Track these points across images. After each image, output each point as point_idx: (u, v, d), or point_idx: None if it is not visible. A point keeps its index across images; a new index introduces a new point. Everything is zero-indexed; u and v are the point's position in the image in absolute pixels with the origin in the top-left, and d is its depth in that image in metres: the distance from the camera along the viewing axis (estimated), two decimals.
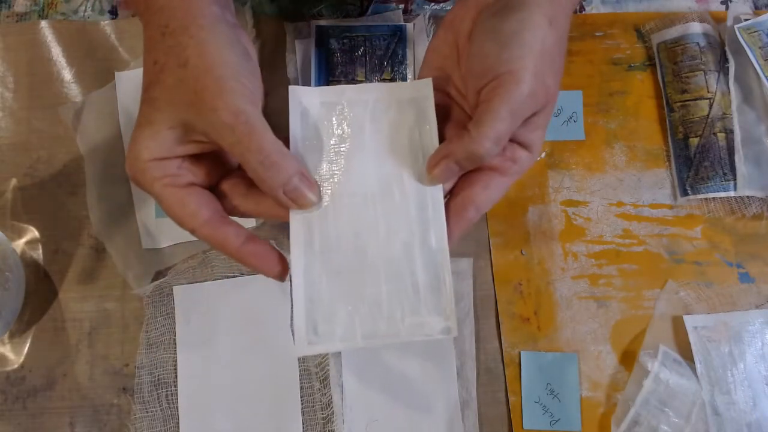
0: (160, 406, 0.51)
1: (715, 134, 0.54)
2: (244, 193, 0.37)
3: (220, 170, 0.38)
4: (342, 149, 0.37)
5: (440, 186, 0.37)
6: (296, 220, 0.36)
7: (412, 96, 0.38)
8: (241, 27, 0.38)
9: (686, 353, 0.50)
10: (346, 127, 0.38)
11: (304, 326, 0.35)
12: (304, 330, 0.35)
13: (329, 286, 0.36)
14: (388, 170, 0.37)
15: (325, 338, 0.35)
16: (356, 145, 0.37)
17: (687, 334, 0.51)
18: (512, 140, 0.36)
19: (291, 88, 0.38)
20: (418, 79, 0.39)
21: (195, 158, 0.36)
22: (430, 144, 0.37)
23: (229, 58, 0.34)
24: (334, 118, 0.38)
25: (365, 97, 0.38)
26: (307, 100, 0.38)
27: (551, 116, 0.38)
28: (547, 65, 0.35)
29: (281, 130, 0.36)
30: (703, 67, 0.55)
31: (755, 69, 0.55)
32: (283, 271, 0.37)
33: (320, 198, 0.36)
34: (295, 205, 0.35)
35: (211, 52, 0.33)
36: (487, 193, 0.36)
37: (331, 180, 0.37)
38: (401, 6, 0.59)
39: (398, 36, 0.57)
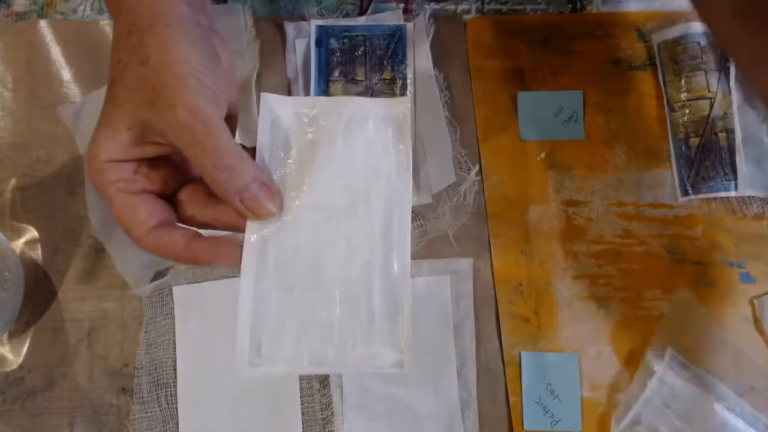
0: (159, 407, 0.51)
1: (716, 134, 0.54)
2: (203, 203, 0.35)
3: (179, 178, 0.36)
4: (311, 161, 0.35)
5: (409, 208, 0.35)
6: (252, 229, 0.34)
7: (390, 113, 0.36)
8: (216, 30, 0.37)
9: (694, 357, 0.50)
10: (317, 139, 0.36)
11: (247, 344, 0.33)
12: (247, 349, 0.33)
13: (279, 303, 0.34)
14: (357, 187, 0.35)
15: (268, 360, 0.33)
16: (326, 158, 0.35)
17: (695, 338, 0.51)
18: None
19: (263, 95, 0.36)
20: None
21: (153, 163, 0.35)
22: (404, 164, 0.36)
23: (192, 56, 0.33)
24: (305, 129, 0.36)
25: (341, 109, 0.36)
26: (279, 109, 0.36)
27: None
28: None
29: None
30: (704, 66, 0.55)
31: None
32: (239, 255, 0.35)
33: (281, 209, 0.34)
34: (252, 214, 0.33)
35: (173, 49, 0.33)
36: None
37: (295, 191, 0.35)
38: (401, 6, 0.59)
39: (398, 36, 0.57)
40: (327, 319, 0.34)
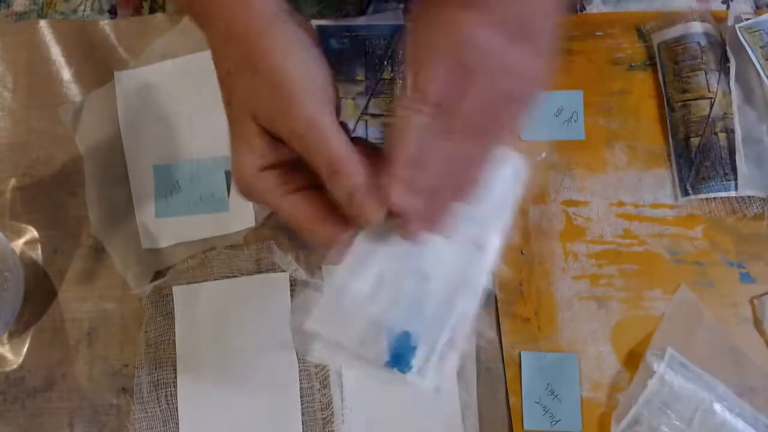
0: (159, 407, 0.51)
1: (716, 134, 0.54)
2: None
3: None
4: None
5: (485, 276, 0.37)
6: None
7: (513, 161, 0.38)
8: (291, 11, 0.36)
9: (694, 357, 0.50)
10: None
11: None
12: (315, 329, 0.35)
13: (356, 305, 0.36)
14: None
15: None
16: None
17: (695, 338, 0.51)
18: None
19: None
20: None
21: (294, 164, 0.35)
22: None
23: (295, 59, 0.33)
24: None
25: None
26: None
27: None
28: None
29: None
30: (704, 66, 0.55)
31: (756, 68, 0.54)
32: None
33: (383, 216, 0.34)
34: (359, 217, 0.33)
35: (277, 56, 0.33)
36: None
37: None
38: (401, 6, 0.59)
39: (398, 35, 0.57)
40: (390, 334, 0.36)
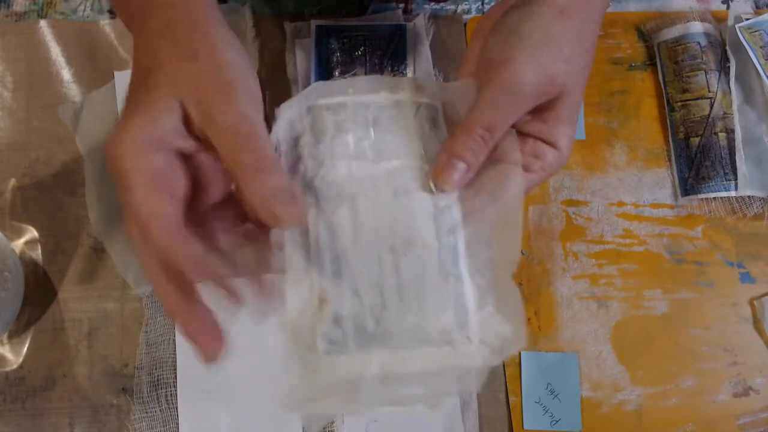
0: (159, 407, 0.51)
1: (715, 134, 0.54)
2: (230, 224, 0.36)
3: (199, 200, 0.35)
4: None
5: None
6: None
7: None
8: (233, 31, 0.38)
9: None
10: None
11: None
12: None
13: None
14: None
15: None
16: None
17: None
18: (535, 137, 0.36)
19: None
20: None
21: (181, 167, 0.34)
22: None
23: (237, 60, 0.34)
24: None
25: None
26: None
27: (577, 110, 0.37)
28: (553, 53, 0.35)
29: None
30: (704, 66, 0.55)
31: (756, 68, 0.54)
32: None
33: (305, 219, 0.34)
34: (274, 222, 0.33)
35: (221, 52, 0.33)
36: (507, 186, 0.35)
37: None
38: (401, 5, 0.59)
39: (398, 36, 0.57)
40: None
